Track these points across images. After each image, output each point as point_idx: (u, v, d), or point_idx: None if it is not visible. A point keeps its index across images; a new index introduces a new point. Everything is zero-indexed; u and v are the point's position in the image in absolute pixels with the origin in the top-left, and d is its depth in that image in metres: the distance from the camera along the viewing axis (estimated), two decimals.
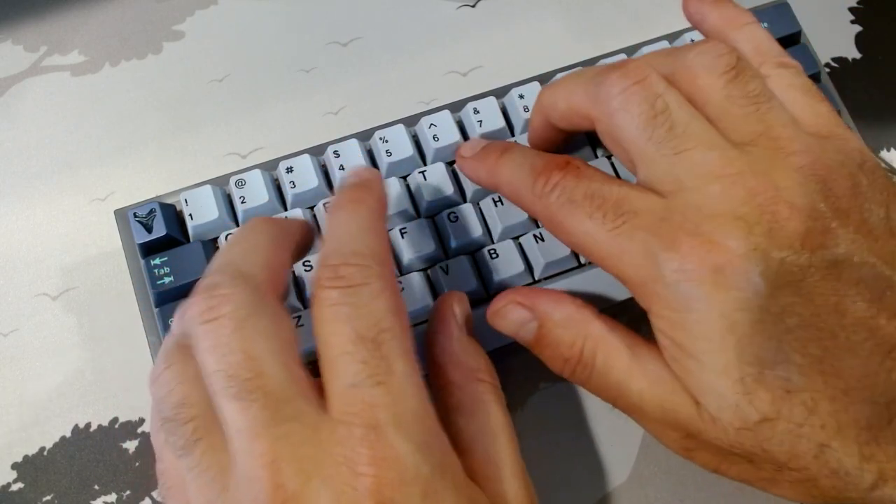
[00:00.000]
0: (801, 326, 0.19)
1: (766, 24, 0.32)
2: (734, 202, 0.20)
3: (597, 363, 0.22)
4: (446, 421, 0.22)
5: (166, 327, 0.28)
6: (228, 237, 0.28)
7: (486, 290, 0.28)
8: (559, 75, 0.31)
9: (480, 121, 0.30)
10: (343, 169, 0.29)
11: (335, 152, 0.30)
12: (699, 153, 0.20)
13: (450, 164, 0.30)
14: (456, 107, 0.31)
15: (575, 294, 0.28)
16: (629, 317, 0.31)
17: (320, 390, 0.20)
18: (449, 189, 0.29)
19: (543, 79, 0.31)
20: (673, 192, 0.21)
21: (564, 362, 0.23)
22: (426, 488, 0.18)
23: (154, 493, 0.30)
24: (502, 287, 0.28)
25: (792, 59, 0.24)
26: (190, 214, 0.29)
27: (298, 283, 0.28)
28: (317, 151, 0.30)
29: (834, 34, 0.37)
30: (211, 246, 0.29)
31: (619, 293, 0.28)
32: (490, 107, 0.30)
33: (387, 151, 0.30)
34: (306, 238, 0.25)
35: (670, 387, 0.21)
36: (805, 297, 0.19)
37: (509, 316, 0.24)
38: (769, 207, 0.19)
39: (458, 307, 0.25)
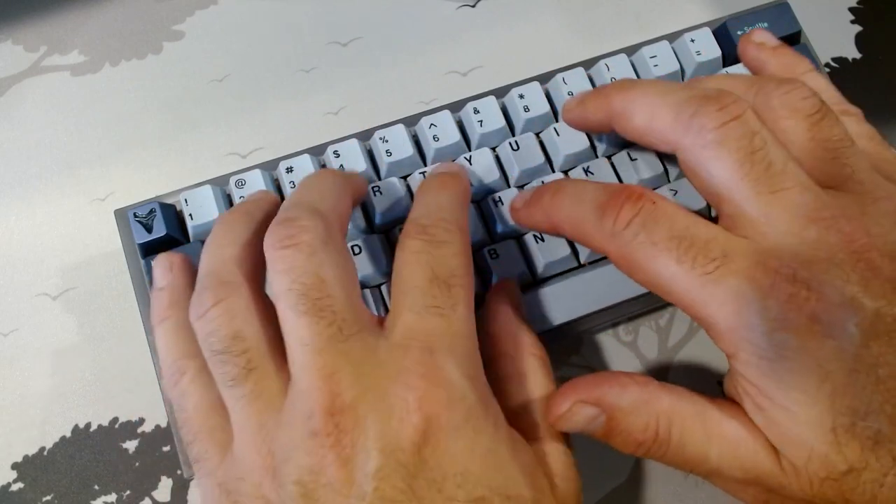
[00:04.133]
0: (893, 377, 0.19)
1: (766, 24, 0.32)
2: (831, 249, 0.19)
3: (672, 439, 0.21)
4: (498, 388, 0.23)
5: None
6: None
7: (486, 290, 0.28)
8: (558, 73, 0.31)
9: (480, 121, 0.30)
10: (343, 169, 0.29)
11: (335, 152, 0.30)
12: (796, 194, 0.20)
13: None
14: (456, 107, 0.31)
15: (575, 294, 0.28)
16: (626, 320, 0.31)
17: (380, 323, 0.21)
18: None
19: (543, 79, 0.31)
20: (765, 234, 0.20)
21: (638, 445, 0.21)
22: (469, 413, 0.20)
23: (154, 493, 0.30)
24: None
25: (853, 106, 0.24)
26: (190, 214, 0.29)
27: None
28: (317, 151, 0.30)
29: (834, 34, 0.37)
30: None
31: (620, 293, 0.28)
32: (490, 107, 0.30)
33: (387, 151, 0.30)
34: (362, 191, 0.27)
35: (751, 445, 0.20)
36: None
37: (575, 418, 0.22)
38: (864, 255, 0.19)
39: (514, 290, 0.27)
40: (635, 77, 0.31)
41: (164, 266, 0.25)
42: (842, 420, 0.19)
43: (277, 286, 0.20)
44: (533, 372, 0.24)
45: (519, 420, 0.23)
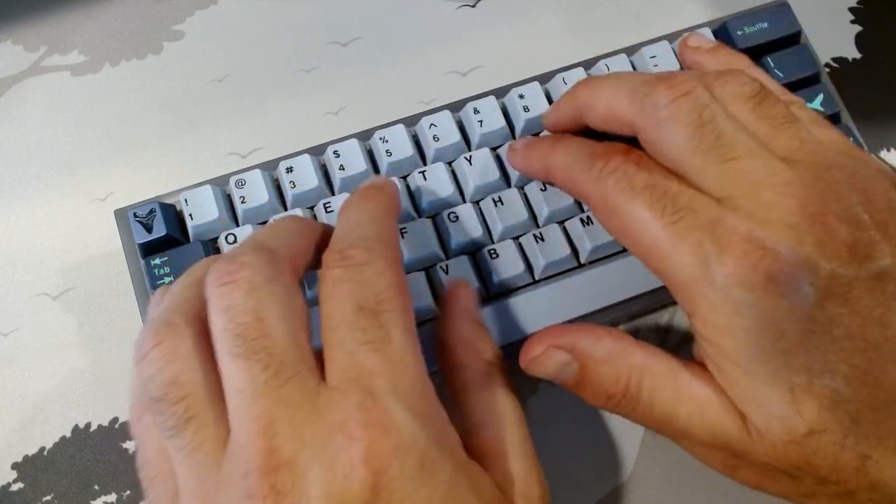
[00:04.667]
0: (847, 337, 0.19)
1: (766, 24, 0.32)
2: (785, 211, 0.20)
3: (642, 395, 0.21)
4: (455, 401, 0.23)
5: None
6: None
7: (486, 290, 0.28)
8: (558, 73, 0.31)
9: (480, 121, 0.30)
10: (343, 169, 0.30)
11: (335, 152, 0.30)
12: (747, 161, 0.21)
13: (449, 164, 0.30)
14: (456, 107, 0.31)
15: (575, 294, 0.28)
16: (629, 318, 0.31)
17: (323, 366, 0.20)
18: (449, 189, 0.29)
19: (543, 79, 0.31)
20: (723, 199, 0.20)
21: (608, 398, 0.22)
22: (423, 457, 0.18)
23: None
24: (503, 287, 0.28)
25: (794, 95, 0.25)
26: (190, 214, 0.29)
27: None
28: (317, 151, 0.30)
29: (834, 34, 0.37)
30: (211, 246, 0.29)
31: (619, 293, 0.28)
32: (490, 107, 0.30)
33: (387, 151, 0.30)
34: (328, 235, 0.26)
35: (718, 407, 0.20)
36: (851, 309, 0.19)
37: (548, 362, 0.23)
38: (819, 218, 0.19)
39: (465, 294, 0.26)
40: None
41: (158, 299, 0.24)
42: (798, 379, 0.19)
43: (214, 326, 0.19)
44: (491, 382, 0.23)
45: (479, 434, 0.22)
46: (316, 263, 0.23)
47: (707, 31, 0.32)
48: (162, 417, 0.19)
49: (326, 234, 0.25)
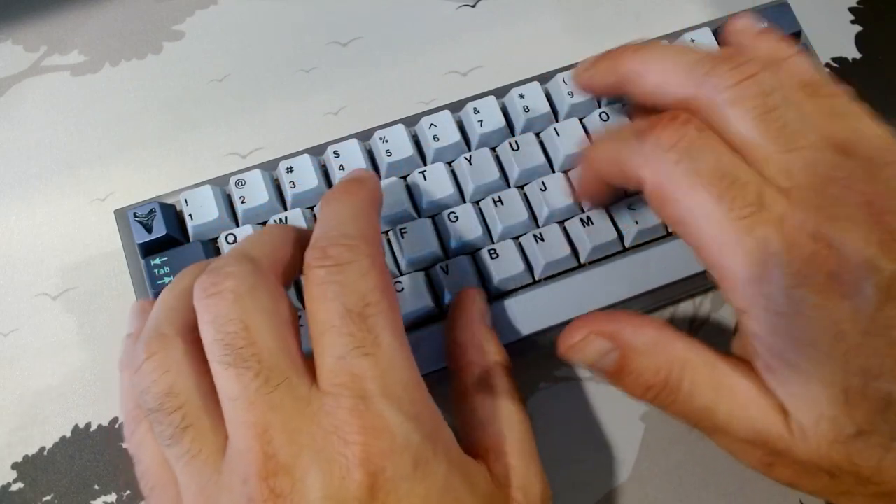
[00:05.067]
0: None
1: (765, 24, 0.32)
2: (851, 207, 0.19)
3: (683, 388, 0.21)
4: (462, 399, 0.23)
5: None
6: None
7: (486, 290, 0.28)
8: (558, 73, 0.31)
9: (480, 121, 0.30)
10: (343, 169, 0.29)
11: (335, 152, 0.30)
12: (811, 153, 0.20)
13: (449, 164, 0.30)
14: (456, 107, 0.31)
15: (575, 294, 0.28)
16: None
17: (313, 370, 0.20)
18: (449, 189, 0.29)
19: (543, 79, 0.31)
20: (788, 189, 0.20)
21: (647, 389, 0.21)
22: (417, 457, 0.18)
23: None
24: (502, 287, 0.28)
25: (842, 87, 0.23)
26: (190, 214, 0.29)
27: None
28: (317, 151, 0.30)
29: (834, 34, 0.37)
30: (211, 246, 0.29)
31: (619, 293, 0.28)
32: (490, 107, 0.30)
33: (387, 151, 0.30)
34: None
35: (761, 404, 0.20)
36: None
37: (587, 349, 0.22)
38: (882, 217, 0.19)
39: (479, 298, 0.26)
40: None
41: (136, 311, 0.25)
42: (854, 381, 0.18)
43: (205, 338, 0.20)
44: (497, 383, 0.23)
45: (483, 430, 0.22)
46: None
47: (707, 32, 0.32)
48: (160, 427, 0.19)
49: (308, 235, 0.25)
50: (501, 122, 0.30)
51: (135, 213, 0.29)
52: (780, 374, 0.20)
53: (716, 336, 0.31)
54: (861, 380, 0.19)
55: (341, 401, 0.19)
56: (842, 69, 0.36)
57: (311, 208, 0.30)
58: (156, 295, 0.28)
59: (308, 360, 0.20)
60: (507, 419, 0.23)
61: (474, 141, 0.30)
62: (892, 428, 0.18)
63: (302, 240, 0.24)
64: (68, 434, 0.31)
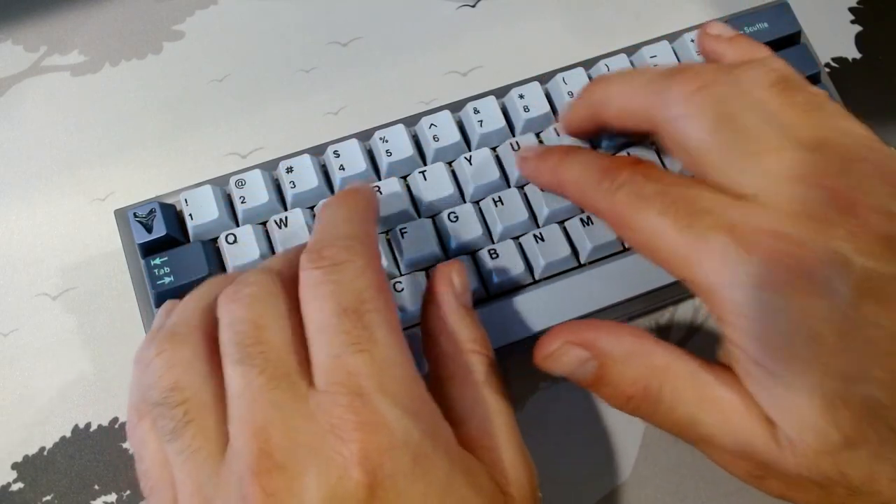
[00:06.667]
0: (884, 338, 0.18)
1: (765, 24, 0.32)
2: (814, 203, 0.19)
3: (663, 398, 0.20)
4: (440, 392, 0.22)
5: None
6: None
7: (486, 290, 0.28)
8: (558, 73, 0.31)
9: (480, 121, 0.30)
10: (343, 169, 0.29)
11: (335, 152, 0.30)
12: (772, 155, 0.20)
13: (449, 164, 0.30)
14: (456, 107, 0.31)
15: (574, 294, 0.28)
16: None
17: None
18: (449, 189, 0.29)
19: (543, 79, 0.31)
20: (747, 195, 0.20)
21: (627, 400, 0.21)
22: (416, 453, 0.18)
23: None
24: (502, 287, 0.28)
25: (817, 87, 0.23)
26: (190, 214, 0.29)
27: None
28: (317, 151, 0.30)
29: (834, 34, 0.37)
30: (211, 246, 0.29)
31: (619, 293, 0.28)
32: (490, 107, 0.30)
33: (387, 151, 0.30)
34: None
35: (745, 415, 0.19)
36: (887, 308, 0.18)
37: (564, 358, 0.21)
38: (852, 210, 0.18)
39: (456, 277, 0.24)
40: None
41: (165, 309, 0.25)
42: (833, 385, 0.18)
43: (221, 340, 0.20)
44: (474, 372, 0.22)
45: (465, 424, 0.22)
46: None
47: None
48: (162, 421, 0.19)
49: None
50: (501, 122, 0.30)
51: (135, 213, 0.29)
52: (761, 383, 0.19)
53: (716, 337, 0.31)
54: (842, 385, 0.18)
55: (338, 398, 0.18)
56: (842, 69, 0.36)
57: (311, 208, 0.30)
58: (156, 295, 0.28)
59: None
60: (488, 411, 0.22)
61: (474, 141, 0.30)
62: (880, 435, 0.18)
63: None
64: (68, 434, 0.31)
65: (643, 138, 0.29)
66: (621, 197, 0.22)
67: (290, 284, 0.21)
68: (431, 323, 0.24)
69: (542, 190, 0.29)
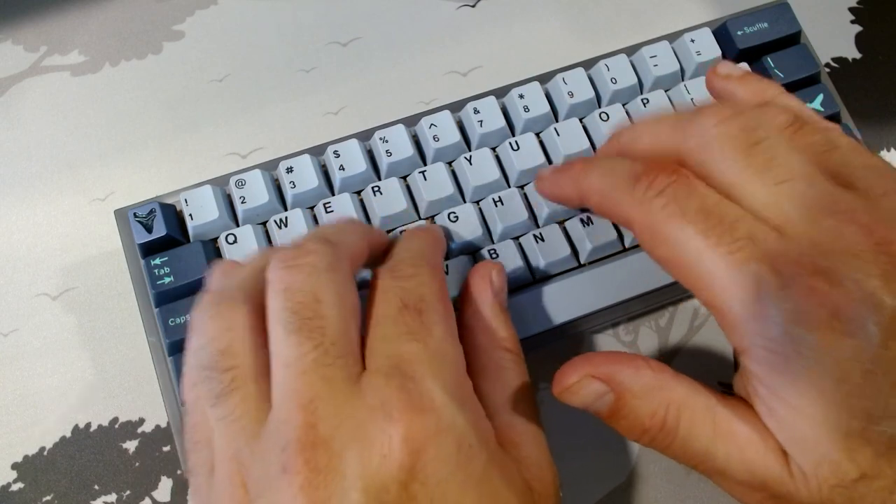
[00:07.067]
0: None
1: (765, 24, 0.32)
2: (850, 240, 0.18)
3: (680, 431, 0.20)
4: (472, 383, 0.23)
5: (167, 327, 0.28)
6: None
7: None
8: (558, 73, 0.31)
9: (480, 121, 0.30)
10: (343, 169, 0.30)
11: (335, 152, 0.30)
12: (803, 185, 0.19)
13: (449, 164, 0.30)
14: (456, 107, 0.31)
15: (575, 294, 0.28)
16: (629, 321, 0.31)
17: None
18: (449, 189, 0.29)
19: (543, 79, 0.31)
20: (782, 225, 0.19)
21: (643, 432, 0.21)
22: (460, 441, 0.19)
23: (154, 493, 0.30)
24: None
25: (832, 123, 0.23)
26: (190, 214, 0.29)
27: None
28: (317, 151, 0.30)
29: (834, 34, 0.37)
30: (211, 246, 0.29)
31: (620, 293, 0.28)
32: (490, 107, 0.30)
33: (387, 151, 0.30)
34: (382, 242, 0.26)
35: (760, 447, 0.19)
36: None
37: (582, 391, 0.21)
38: (885, 248, 0.18)
39: (495, 275, 0.25)
40: (634, 77, 0.31)
41: (220, 269, 0.25)
42: (856, 424, 0.18)
43: (272, 305, 0.20)
44: (505, 368, 0.23)
45: (494, 419, 0.22)
46: (368, 265, 0.24)
47: (707, 32, 0.32)
48: (209, 385, 0.20)
49: (382, 239, 0.26)
50: (501, 122, 0.30)
51: (135, 213, 0.29)
52: (779, 416, 0.19)
53: (715, 336, 0.31)
54: (863, 423, 0.18)
55: (390, 380, 0.19)
56: (842, 69, 0.36)
57: (312, 208, 0.30)
58: (156, 295, 0.28)
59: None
60: (517, 408, 0.23)
61: (474, 141, 0.30)
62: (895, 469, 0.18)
63: (371, 238, 0.25)
64: (68, 434, 0.31)
65: None
66: (658, 207, 0.20)
67: (347, 261, 0.22)
68: (469, 316, 0.25)
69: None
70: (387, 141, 0.30)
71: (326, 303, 0.20)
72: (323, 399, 0.18)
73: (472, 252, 0.29)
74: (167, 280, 0.28)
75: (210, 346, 0.20)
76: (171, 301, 0.28)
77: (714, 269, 0.19)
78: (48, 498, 0.30)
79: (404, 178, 0.30)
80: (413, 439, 0.18)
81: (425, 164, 0.30)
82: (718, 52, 0.31)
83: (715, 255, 0.19)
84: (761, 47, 0.32)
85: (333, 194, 0.30)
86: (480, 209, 0.29)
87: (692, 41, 0.31)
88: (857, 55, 0.36)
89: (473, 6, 0.38)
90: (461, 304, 0.25)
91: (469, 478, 0.18)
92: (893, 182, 0.20)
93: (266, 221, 0.29)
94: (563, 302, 0.28)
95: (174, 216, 0.29)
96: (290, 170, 0.29)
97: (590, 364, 0.21)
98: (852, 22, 0.37)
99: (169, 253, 0.28)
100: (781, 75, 0.31)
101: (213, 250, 0.29)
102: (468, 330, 0.24)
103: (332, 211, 0.29)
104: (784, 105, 0.22)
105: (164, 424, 0.31)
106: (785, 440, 0.19)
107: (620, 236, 0.29)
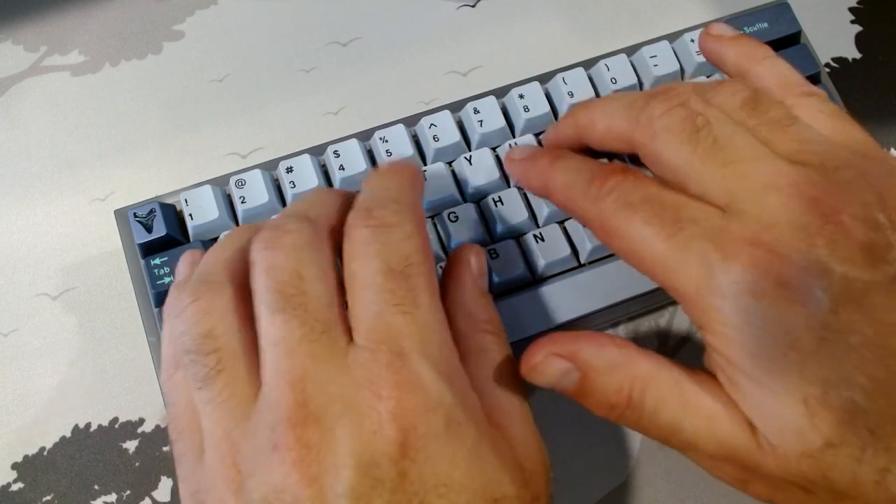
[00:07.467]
0: (864, 345, 0.18)
1: (766, 24, 0.32)
2: (794, 212, 0.19)
3: (646, 406, 0.21)
4: None
5: None
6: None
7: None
8: (558, 73, 0.31)
9: (480, 121, 0.30)
10: (343, 169, 0.30)
11: (335, 152, 0.30)
12: (749, 164, 0.20)
13: (449, 164, 0.30)
14: (456, 107, 0.31)
15: (575, 294, 0.28)
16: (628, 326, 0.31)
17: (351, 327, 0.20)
18: (449, 189, 0.29)
19: (543, 79, 0.31)
20: (728, 204, 0.20)
21: (611, 408, 0.21)
22: (449, 417, 0.19)
23: (154, 493, 0.30)
24: (503, 287, 0.28)
25: (816, 88, 0.24)
26: (190, 214, 0.29)
27: None
28: (317, 151, 0.30)
29: (834, 34, 0.37)
30: (211, 246, 0.29)
31: (619, 293, 0.28)
32: (490, 107, 0.30)
33: (387, 151, 0.30)
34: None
35: (727, 419, 0.20)
36: (868, 315, 0.18)
37: (547, 370, 0.22)
38: (831, 218, 0.19)
39: (474, 259, 0.25)
40: (634, 77, 0.31)
41: (186, 260, 0.25)
42: (813, 390, 0.18)
43: (256, 285, 0.20)
44: (487, 350, 0.23)
45: (482, 401, 0.22)
46: None
47: None
48: (193, 369, 0.20)
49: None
50: (501, 122, 0.30)
51: (135, 213, 0.29)
52: (742, 388, 0.19)
53: None
54: (821, 389, 0.18)
55: (378, 356, 0.19)
56: (842, 69, 0.36)
57: None
58: (156, 295, 0.28)
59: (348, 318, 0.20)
60: (499, 389, 0.23)
61: (474, 141, 0.30)
62: (861, 439, 0.18)
63: (347, 203, 0.24)
64: (68, 434, 0.31)
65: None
66: (609, 204, 0.22)
67: (327, 235, 0.22)
68: (448, 301, 0.24)
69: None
70: (387, 141, 0.30)
71: (309, 279, 0.20)
72: (312, 377, 0.18)
73: None
74: (167, 280, 0.28)
75: (192, 330, 0.20)
76: None
77: (661, 251, 0.20)
78: (48, 498, 0.30)
79: None
80: (403, 416, 0.18)
81: (425, 164, 0.30)
82: None
83: (659, 238, 0.20)
84: None
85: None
86: (480, 209, 0.29)
87: (692, 41, 0.31)
88: (857, 55, 0.36)
89: (473, 6, 0.38)
90: (442, 288, 0.24)
91: (458, 452, 0.19)
92: (849, 154, 0.20)
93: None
94: (563, 302, 0.28)
95: (174, 216, 0.29)
96: (290, 170, 0.30)
97: (553, 343, 0.22)
98: (852, 22, 0.37)
99: (169, 253, 0.28)
100: None
101: None
102: (448, 315, 0.23)
103: None
104: (774, 68, 0.23)
105: (164, 424, 0.31)
106: (749, 411, 0.19)
107: None
